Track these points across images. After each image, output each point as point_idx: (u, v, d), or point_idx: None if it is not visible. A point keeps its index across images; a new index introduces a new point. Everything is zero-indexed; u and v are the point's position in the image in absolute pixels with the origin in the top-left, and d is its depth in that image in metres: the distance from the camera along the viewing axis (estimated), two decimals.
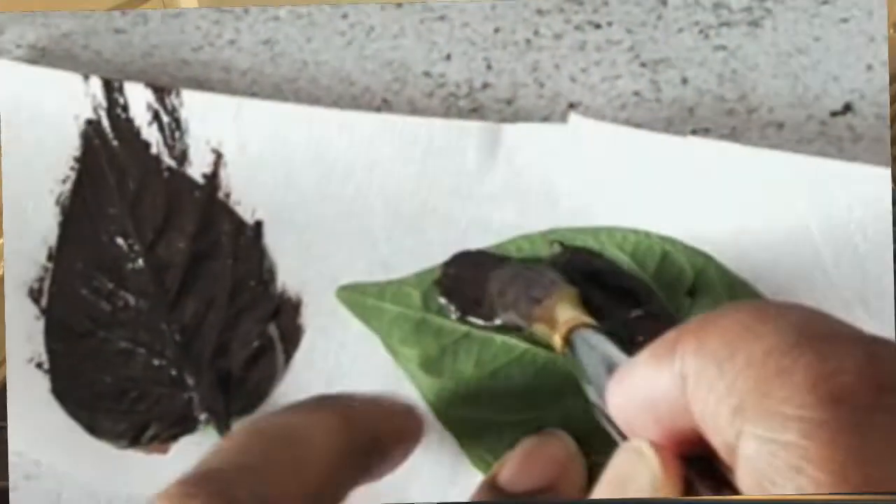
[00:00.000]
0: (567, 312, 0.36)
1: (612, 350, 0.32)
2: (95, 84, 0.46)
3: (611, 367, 0.30)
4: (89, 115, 0.47)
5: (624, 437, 0.25)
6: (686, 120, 0.43)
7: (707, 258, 0.39)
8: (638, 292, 0.39)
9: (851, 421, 0.18)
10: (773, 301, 0.21)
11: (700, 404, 0.20)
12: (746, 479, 0.19)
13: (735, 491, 0.19)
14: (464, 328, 0.40)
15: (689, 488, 0.20)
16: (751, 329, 0.20)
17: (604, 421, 0.29)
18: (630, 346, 0.35)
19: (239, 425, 0.33)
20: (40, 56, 0.50)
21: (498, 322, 0.39)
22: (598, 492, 0.22)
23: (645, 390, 0.22)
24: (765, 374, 0.19)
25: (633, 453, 0.22)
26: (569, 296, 0.37)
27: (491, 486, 0.35)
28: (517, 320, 0.38)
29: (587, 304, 0.38)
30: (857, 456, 0.18)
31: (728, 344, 0.20)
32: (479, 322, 0.40)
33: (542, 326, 0.36)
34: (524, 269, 0.39)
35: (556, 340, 0.35)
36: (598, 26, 0.45)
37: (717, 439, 0.20)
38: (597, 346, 0.33)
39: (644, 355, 0.22)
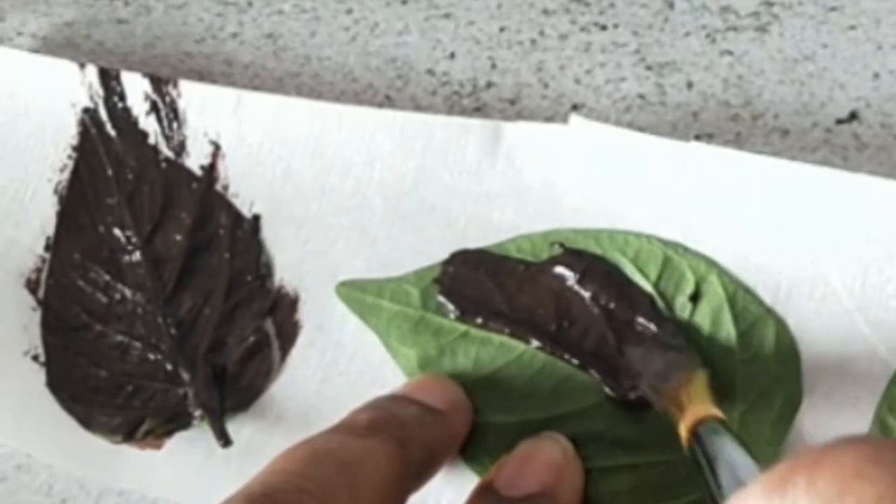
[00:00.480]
0: (696, 399, 0.35)
1: (737, 454, 0.31)
2: (91, 72, 0.46)
3: (735, 474, 0.29)
4: (86, 103, 0.46)
5: None
6: (690, 125, 0.43)
7: (709, 263, 0.39)
8: (637, 300, 0.39)
9: None
10: (888, 441, 0.20)
11: None
12: None
13: None
14: (462, 328, 0.40)
15: None
16: (863, 471, 0.19)
17: None
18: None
19: (296, 444, 0.33)
20: (41, 45, 0.49)
21: (633, 395, 0.38)
22: None
23: None
24: None
25: None
26: (699, 380, 0.36)
27: (488, 489, 0.35)
28: (649, 395, 0.37)
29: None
30: None
31: (839, 484, 0.19)
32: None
33: (672, 408, 0.35)
34: (657, 343, 0.38)
35: (682, 431, 0.34)
36: (603, 28, 0.45)
37: None
38: (723, 448, 0.32)
39: (756, 487, 0.22)
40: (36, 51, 0.49)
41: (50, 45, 0.49)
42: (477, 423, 0.38)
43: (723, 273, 0.38)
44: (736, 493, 0.23)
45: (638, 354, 0.38)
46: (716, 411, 0.34)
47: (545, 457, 0.36)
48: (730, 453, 0.31)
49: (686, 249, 0.39)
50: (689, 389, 0.35)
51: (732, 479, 0.30)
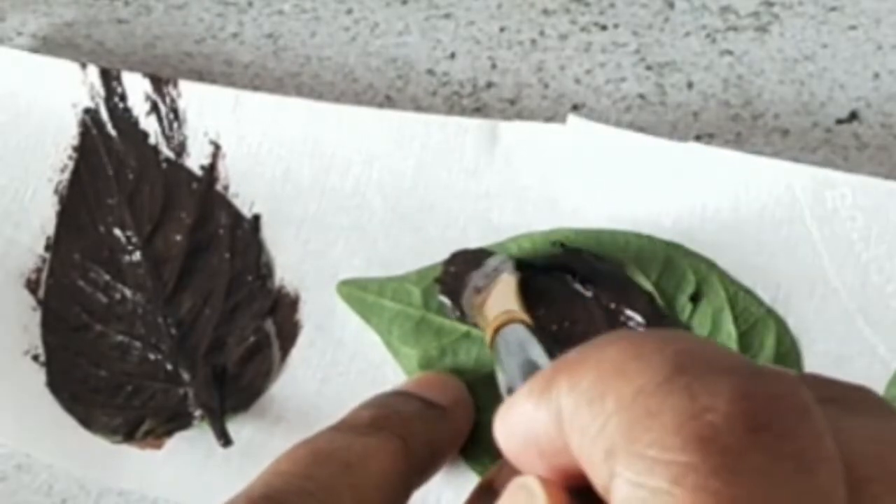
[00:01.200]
0: (500, 305, 0.35)
1: (536, 352, 0.31)
2: (93, 73, 0.46)
3: (529, 372, 0.29)
4: (87, 103, 0.46)
5: None
6: (690, 125, 0.43)
7: (710, 264, 0.39)
8: (635, 296, 0.39)
9: (721, 464, 0.17)
10: (652, 332, 0.20)
11: (576, 444, 0.19)
12: None
13: None
14: (464, 328, 0.40)
15: None
16: (623, 366, 0.19)
17: None
18: None
19: (298, 444, 0.33)
20: (41, 45, 0.49)
21: (469, 322, 0.38)
22: None
23: (526, 425, 0.21)
24: (634, 417, 0.18)
25: (523, 490, 0.21)
26: (506, 286, 0.36)
27: (489, 488, 0.35)
28: (472, 316, 0.37)
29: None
30: (729, 500, 0.17)
31: (600, 383, 0.19)
32: (465, 326, 0.39)
33: (481, 319, 0.35)
34: (484, 257, 0.39)
35: (487, 336, 0.34)
36: (604, 28, 0.45)
37: (596, 479, 0.19)
38: (521, 345, 0.32)
39: (524, 389, 0.21)
40: (36, 51, 0.49)
41: (50, 46, 0.49)
42: (478, 422, 0.38)
43: (723, 274, 0.38)
44: (505, 400, 0.23)
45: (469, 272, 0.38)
46: (520, 314, 0.33)
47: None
48: (527, 354, 0.31)
49: (687, 250, 0.39)
50: (494, 296, 0.35)
51: (528, 375, 0.29)
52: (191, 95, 0.45)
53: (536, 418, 0.21)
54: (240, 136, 0.45)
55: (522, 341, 0.32)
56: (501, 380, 0.32)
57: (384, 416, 0.35)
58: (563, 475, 0.21)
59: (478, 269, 0.38)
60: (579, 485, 0.20)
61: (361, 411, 0.35)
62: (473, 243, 0.41)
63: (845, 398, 0.20)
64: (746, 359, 0.19)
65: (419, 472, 0.34)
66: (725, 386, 0.18)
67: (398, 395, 0.37)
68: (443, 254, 0.41)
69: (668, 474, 0.17)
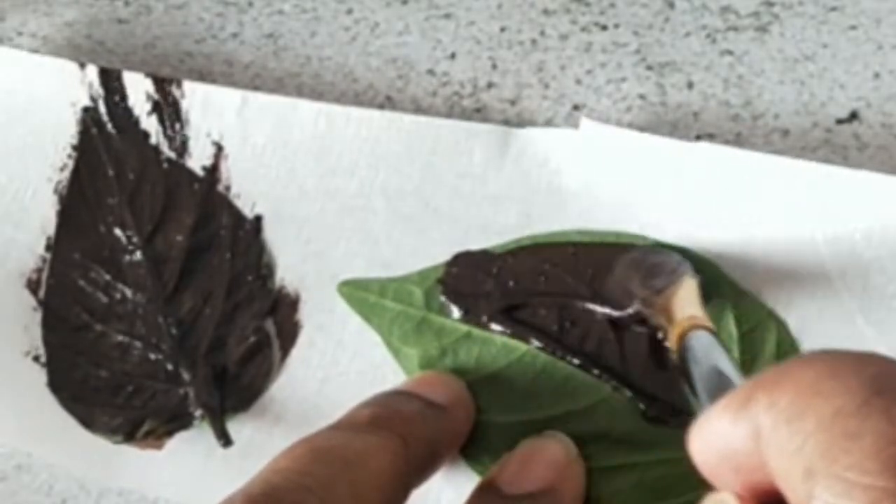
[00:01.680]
0: (684, 309, 0.34)
1: (723, 362, 0.30)
2: (92, 72, 0.46)
3: (718, 381, 0.29)
4: (86, 102, 0.46)
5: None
6: (691, 125, 0.43)
7: (712, 265, 0.39)
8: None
9: None
10: (849, 353, 0.20)
11: (774, 462, 0.19)
12: None
13: None
14: (465, 328, 0.40)
15: None
16: (821, 386, 0.19)
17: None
18: None
19: (297, 442, 0.33)
20: (41, 44, 0.49)
21: (630, 311, 0.37)
22: None
23: (722, 441, 0.21)
24: (833, 438, 0.18)
25: None
26: (689, 289, 0.35)
27: (489, 487, 0.35)
28: (642, 311, 0.36)
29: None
30: None
31: (799, 401, 0.19)
32: (466, 327, 0.39)
33: (662, 319, 0.34)
34: (649, 253, 0.38)
35: (672, 339, 0.33)
36: (604, 28, 0.45)
37: (793, 498, 0.19)
38: (707, 354, 0.31)
39: (721, 404, 0.21)
40: (36, 51, 0.49)
41: (50, 45, 0.49)
42: (478, 422, 0.38)
43: (725, 275, 0.38)
44: (701, 414, 0.23)
45: (622, 272, 0.37)
46: (706, 321, 0.33)
47: (547, 455, 0.36)
48: (715, 363, 0.31)
49: (690, 251, 0.39)
50: (679, 298, 0.35)
51: (715, 390, 0.29)
52: (194, 95, 0.45)
53: (734, 434, 0.21)
54: (244, 137, 0.45)
55: (708, 349, 0.32)
56: (696, 384, 0.31)
57: (384, 415, 0.35)
58: (757, 493, 0.21)
59: (644, 266, 0.37)
60: (773, 502, 0.20)
61: (361, 410, 0.35)
62: (476, 245, 0.41)
63: None
64: None
65: (418, 471, 0.34)
66: None
67: (398, 394, 0.37)
68: (445, 256, 0.41)
69: (866, 498, 0.17)
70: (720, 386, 0.29)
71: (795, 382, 0.20)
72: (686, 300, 0.35)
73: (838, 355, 0.20)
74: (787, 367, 0.20)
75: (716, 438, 0.21)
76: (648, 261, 0.37)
